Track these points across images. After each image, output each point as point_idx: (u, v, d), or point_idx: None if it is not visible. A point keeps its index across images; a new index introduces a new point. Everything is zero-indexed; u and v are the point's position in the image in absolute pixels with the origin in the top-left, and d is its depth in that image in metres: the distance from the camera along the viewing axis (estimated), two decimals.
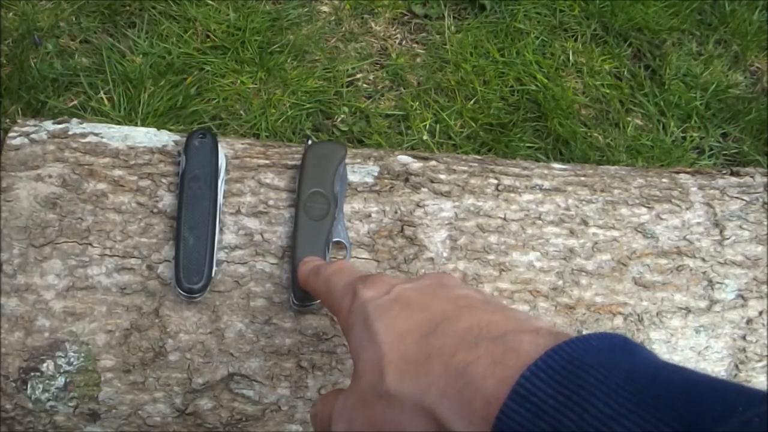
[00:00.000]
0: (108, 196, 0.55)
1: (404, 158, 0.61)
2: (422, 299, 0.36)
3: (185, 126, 1.12)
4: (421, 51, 1.30)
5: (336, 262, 0.46)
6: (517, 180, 0.61)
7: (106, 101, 1.13)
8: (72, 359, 0.51)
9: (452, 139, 1.20)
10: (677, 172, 0.65)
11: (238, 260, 0.54)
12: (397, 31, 1.32)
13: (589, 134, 1.24)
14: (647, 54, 1.35)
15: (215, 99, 1.16)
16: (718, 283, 0.59)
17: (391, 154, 0.62)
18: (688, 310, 0.58)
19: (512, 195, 0.60)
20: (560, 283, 0.57)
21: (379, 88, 1.24)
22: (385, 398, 0.32)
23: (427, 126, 1.20)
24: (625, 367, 0.28)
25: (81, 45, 1.20)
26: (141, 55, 1.18)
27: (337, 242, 0.55)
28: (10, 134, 0.57)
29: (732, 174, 0.65)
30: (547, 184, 0.61)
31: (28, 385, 0.50)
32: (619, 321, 0.56)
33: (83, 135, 0.58)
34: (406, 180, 0.59)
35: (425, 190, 0.59)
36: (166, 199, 0.55)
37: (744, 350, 0.57)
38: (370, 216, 0.57)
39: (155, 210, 0.55)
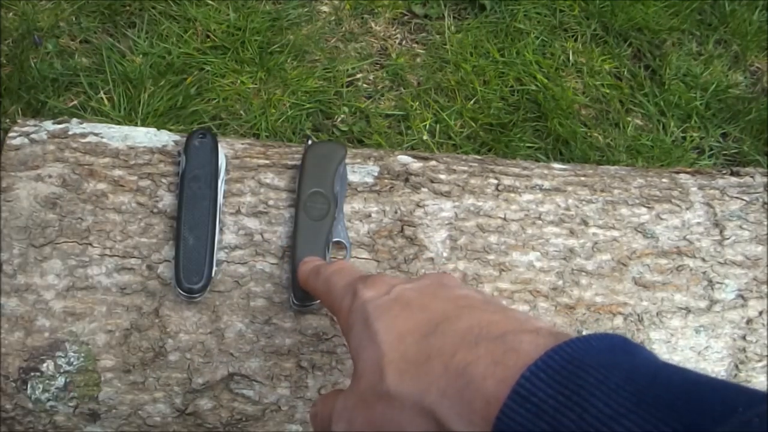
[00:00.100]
0: (108, 196, 0.55)
1: (404, 158, 0.61)
2: (422, 299, 0.36)
3: (185, 126, 1.12)
4: (421, 51, 1.30)
5: (336, 262, 0.46)
6: (517, 180, 0.61)
7: (106, 101, 1.13)
8: (72, 359, 0.51)
9: (452, 139, 1.20)
10: (677, 172, 0.65)
11: (238, 260, 0.54)
12: (397, 31, 1.32)
13: (589, 134, 1.24)
14: (647, 54, 1.35)
15: (215, 99, 1.16)
16: (718, 283, 0.59)
17: (391, 154, 0.62)
18: (688, 310, 0.58)
19: (512, 195, 0.60)
20: (560, 283, 0.57)
21: (379, 88, 1.24)
22: (385, 398, 0.32)
23: (427, 126, 1.20)
24: (625, 367, 0.28)
25: (81, 45, 1.20)
26: (141, 55, 1.18)
27: (337, 242, 0.55)
28: (10, 134, 0.57)
29: (732, 174, 0.65)
30: (547, 184, 0.61)
31: (28, 385, 0.50)
32: (619, 321, 0.56)
33: (83, 135, 0.58)
34: (406, 180, 0.59)
35: (425, 190, 0.59)
36: (166, 199, 0.55)
37: (744, 350, 0.57)
38: (370, 216, 0.57)
39: (155, 210, 0.55)
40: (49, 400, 0.50)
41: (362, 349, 0.35)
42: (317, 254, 0.52)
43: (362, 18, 1.31)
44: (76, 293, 0.52)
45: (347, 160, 0.59)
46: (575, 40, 1.34)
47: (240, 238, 0.55)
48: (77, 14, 1.21)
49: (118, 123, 1.02)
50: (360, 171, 0.59)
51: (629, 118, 1.27)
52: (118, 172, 0.56)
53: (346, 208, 0.57)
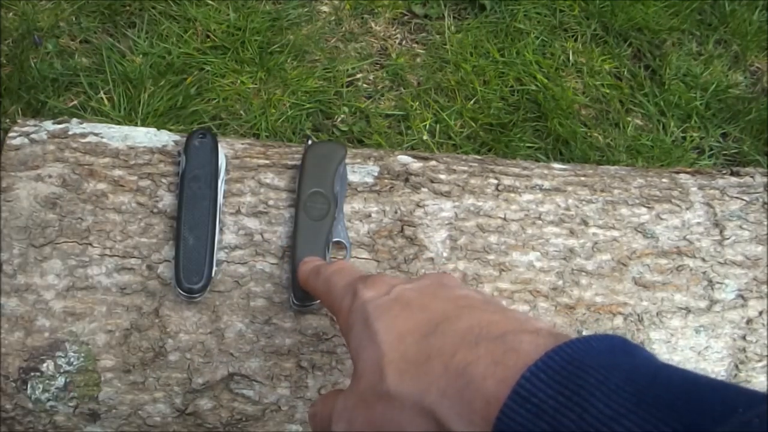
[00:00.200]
0: (108, 196, 0.55)
1: (404, 158, 0.61)
2: (422, 299, 0.36)
3: (185, 126, 1.12)
4: (421, 51, 1.30)
5: (336, 262, 0.46)
6: (517, 180, 0.61)
7: (106, 101, 1.13)
8: (72, 359, 0.51)
9: (452, 139, 1.20)
10: (677, 172, 0.65)
11: (238, 260, 0.54)
12: (397, 31, 1.32)
13: (589, 134, 1.24)
14: (647, 54, 1.35)
15: (215, 99, 1.16)
16: (718, 283, 0.59)
17: (391, 154, 0.62)
18: (688, 310, 0.58)
19: (512, 195, 0.60)
20: (560, 283, 0.57)
21: (379, 88, 1.24)
22: (385, 398, 0.32)
23: (427, 126, 1.20)
24: (625, 368, 0.28)
25: (81, 45, 1.20)
26: (141, 55, 1.18)
27: (337, 242, 0.55)
28: (10, 134, 0.57)
29: (732, 174, 0.65)
30: (547, 184, 0.61)
31: (28, 385, 0.50)
32: (619, 321, 0.56)
33: (83, 135, 0.58)
34: (406, 180, 0.59)
35: (425, 190, 0.59)
36: (166, 199, 0.55)
37: (744, 350, 0.57)
38: (370, 216, 0.57)
39: (155, 210, 0.55)
40: (49, 400, 0.50)
41: (362, 349, 0.35)
42: (317, 254, 0.52)
43: (362, 18, 1.31)
44: (76, 293, 0.52)
45: (347, 160, 0.59)
46: (575, 40, 1.34)
47: (240, 238, 0.55)
48: (77, 14, 1.21)
49: (118, 123, 1.02)
50: (360, 171, 0.59)
51: (629, 118, 1.27)
52: (118, 172, 0.56)
53: (346, 208, 0.57)
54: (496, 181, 0.60)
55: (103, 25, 1.21)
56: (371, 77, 1.25)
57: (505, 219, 0.58)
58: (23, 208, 0.54)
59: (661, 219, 0.60)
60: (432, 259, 0.56)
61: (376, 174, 0.59)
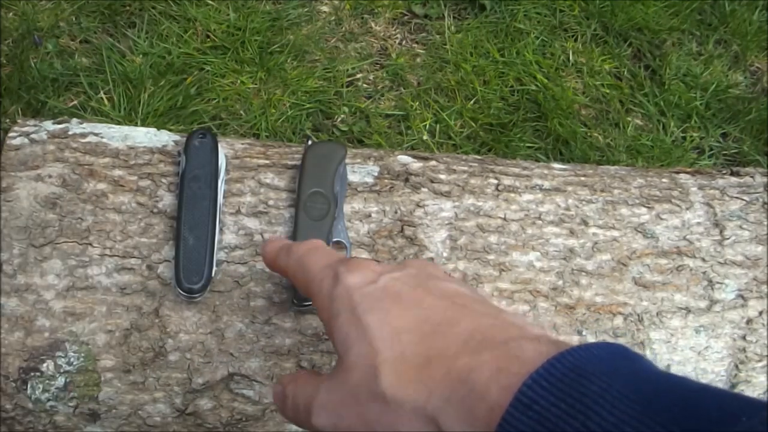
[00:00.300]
0: (108, 196, 0.55)
1: (404, 158, 0.61)
2: (414, 293, 0.35)
3: (185, 126, 1.12)
4: (421, 51, 1.30)
5: (307, 241, 0.43)
6: (517, 180, 0.61)
7: (106, 101, 1.13)
8: (72, 359, 0.51)
9: (452, 139, 1.20)
10: (677, 172, 0.65)
11: (238, 260, 0.54)
12: (397, 31, 1.32)
13: (589, 134, 1.24)
14: (647, 54, 1.35)
15: (215, 99, 1.16)
16: (718, 283, 0.59)
17: (391, 154, 0.62)
18: (688, 310, 0.58)
19: (512, 195, 0.60)
20: (560, 283, 0.57)
21: (379, 88, 1.24)
22: (381, 399, 0.31)
23: (427, 126, 1.20)
24: (627, 375, 0.28)
25: (81, 45, 1.20)
26: (141, 55, 1.18)
27: (337, 242, 0.55)
28: (10, 134, 0.57)
29: (732, 174, 0.65)
30: (547, 184, 0.61)
31: (28, 385, 0.50)
32: (619, 321, 0.56)
33: (83, 135, 0.58)
34: (406, 180, 0.59)
35: (425, 190, 0.59)
36: (166, 199, 0.55)
37: (744, 350, 0.57)
38: (370, 216, 0.57)
39: (155, 210, 0.55)
40: (49, 400, 0.50)
41: (352, 342, 0.33)
42: None
43: (362, 18, 1.31)
44: (76, 293, 0.52)
45: (347, 160, 0.59)
46: (575, 40, 1.34)
47: (240, 238, 0.55)
48: (77, 14, 1.21)
49: (118, 123, 1.02)
50: (360, 171, 0.59)
51: (629, 118, 1.27)
52: (118, 172, 0.56)
53: (346, 208, 0.57)
54: (496, 181, 0.60)
55: (103, 25, 1.21)
56: (371, 77, 1.25)
57: (505, 219, 0.58)
58: (23, 208, 0.54)
59: (661, 219, 0.60)
60: (432, 259, 0.56)
61: (376, 174, 0.59)
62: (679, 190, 0.63)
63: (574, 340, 0.56)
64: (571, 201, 0.60)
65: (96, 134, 0.58)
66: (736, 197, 0.63)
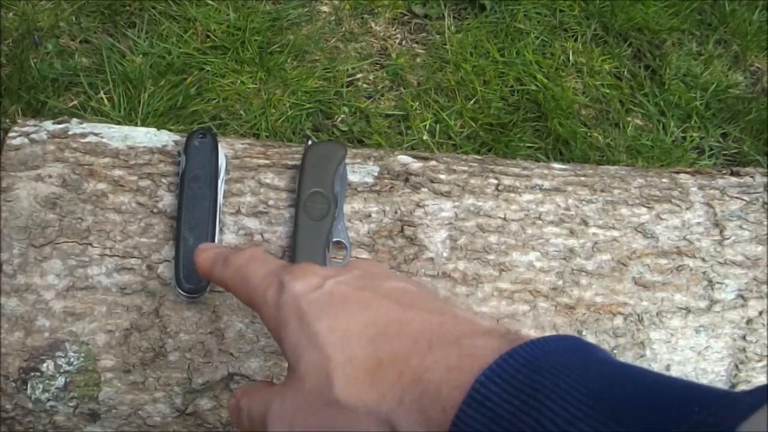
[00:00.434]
0: (108, 196, 0.55)
1: (404, 158, 0.61)
2: (360, 295, 0.34)
3: (185, 126, 1.12)
4: (421, 51, 1.30)
5: (245, 249, 0.41)
6: (517, 180, 0.61)
7: (106, 101, 1.13)
8: (72, 359, 0.51)
9: (452, 139, 1.20)
10: (677, 172, 0.65)
11: None
12: (397, 31, 1.32)
13: (589, 134, 1.24)
14: (647, 54, 1.35)
15: (215, 99, 1.16)
16: (718, 283, 0.59)
17: (391, 154, 0.62)
18: (688, 310, 0.58)
19: (512, 195, 0.60)
20: (560, 283, 0.57)
21: (379, 88, 1.24)
22: (335, 405, 0.31)
23: (427, 126, 1.20)
24: (581, 370, 0.27)
25: (81, 45, 1.20)
26: (141, 55, 1.18)
27: (337, 242, 0.55)
28: (10, 134, 0.57)
29: (732, 174, 0.65)
30: (547, 184, 0.61)
31: (28, 385, 0.50)
32: (619, 321, 0.56)
33: (83, 135, 0.58)
34: (406, 180, 0.59)
35: (425, 190, 0.59)
36: (166, 199, 0.55)
37: (744, 350, 0.57)
38: (370, 216, 0.57)
39: (155, 210, 0.55)
40: (49, 400, 0.50)
41: (301, 351, 0.33)
42: (317, 254, 0.52)
43: (362, 18, 1.31)
44: (76, 293, 0.52)
45: (347, 160, 0.59)
46: (575, 40, 1.34)
47: (240, 238, 0.55)
48: (77, 14, 1.21)
49: (118, 123, 1.02)
50: (360, 171, 0.59)
51: (629, 118, 1.27)
52: (118, 172, 0.56)
53: (346, 208, 0.57)
54: (496, 181, 0.60)
55: (103, 25, 1.21)
56: (371, 77, 1.25)
57: (505, 219, 0.58)
58: (23, 208, 0.54)
59: (661, 219, 0.60)
60: (432, 259, 0.56)
61: (376, 174, 0.59)
62: (679, 190, 0.63)
63: None
64: (571, 201, 0.60)
65: (96, 134, 0.58)
66: (736, 197, 0.63)
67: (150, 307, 0.52)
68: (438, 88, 1.25)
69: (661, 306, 0.57)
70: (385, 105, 1.22)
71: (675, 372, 0.57)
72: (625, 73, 1.32)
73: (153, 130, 0.60)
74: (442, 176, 0.60)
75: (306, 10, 1.28)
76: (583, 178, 0.62)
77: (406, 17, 1.33)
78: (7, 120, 1.08)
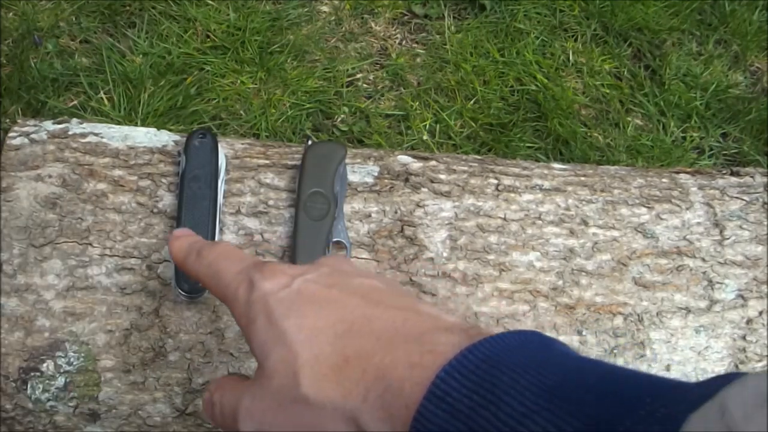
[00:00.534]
0: (108, 196, 0.55)
1: (404, 158, 0.61)
2: (328, 293, 0.35)
3: (185, 126, 1.12)
4: (421, 51, 1.30)
5: (218, 243, 0.41)
6: (517, 180, 0.61)
7: (106, 101, 1.13)
8: (72, 359, 0.51)
9: (452, 139, 1.20)
10: (677, 172, 0.65)
11: None
12: (397, 31, 1.32)
13: (589, 134, 1.24)
14: (647, 54, 1.35)
15: (215, 99, 1.16)
16: (718, 283, 0.59)
17: (391, 154, 0.62)
18: (688, 310, 0.58)
19: (512, 195, 0.60)
20: (560, 283, 0.57)
21: (379, 88, 1.24)
22: (302, 402, 0.31)
23: (427, 126, 1.20)
24: (539, 364, 0.28)
25: (81, 45, 1.20)
26: (141, 55, 1.18)
27: (337, 242, 0.55)
28: (10, 134, 0.57)
29: (732, 174, 0.65)
30: (547, 184, 0.61)
31: (28, 385, 0.50)
32: (619, 321, 0.56)
33: (83, 135, 0.58)
34: (406, 180, 0.59)
35: (425, 190, 0.59)
36: (166, 199, 0.55)
37: (744, 350, 0.57)
38: (370, 216, 0.57)
39: (155, 210, 0.55)
40: (49, 400, 0.50)
41: (269, 349, 0.33)
42: (317, 254, 0.52)
43: (362, 18, 1.31)
44: (76, 293, 0.52)
45: (347, 160, 0.59)
46: (575, 40, 1.34)
47: (240, 238, 0.55)
48: (77, 14, 1.21)
49: (118, 123, 1.02)
50: (360, 171, 0.59)
51: (629, 118, 1.27)
52: (118, 172, 0.56)
53: (346, 208, 0.57)
54: (496, 181, 0.60)
55: (103, 25, 1.21)
56: (371, 77, 1.25)
57: (505, 219, 0.58)
58: (23, 208, 0.54)
59: (661, 219, 0.60)
60: (432, 259, 0.56)
61: (376, 174, 0.59)
62: (679, 190, 0.63)
63: (574, 340, 0.56)
64: (571, 201, 0.60)
65: (96, 134, 0.58)
66: (736, 197, 0.63)
67: (150, 307, 0.52)
68: (438, 88, 1.25)
69: (661, 306, 0.57)
70: (385, 105, 1.22)
71: (675, 372, 0.57)
72: (625, 73, 1.32)
73: (153, 130, 0.60)
74: (442, 176, 0.60)
75: (306, 10, 1.28)
76: (583, 178, 0.62)
77: (406, 17, 1.33)
78: (7, 120, 1.08)
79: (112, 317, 0.52)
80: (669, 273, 0.58)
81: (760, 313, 0.58)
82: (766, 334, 0.58)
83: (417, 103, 1.22)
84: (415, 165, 0.60)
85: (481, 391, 0.27)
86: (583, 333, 0.56)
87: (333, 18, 1.30)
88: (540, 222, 0.59)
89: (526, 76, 1.27)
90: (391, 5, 1.32)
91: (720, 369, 0.57)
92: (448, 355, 0.29)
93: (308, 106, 1.18)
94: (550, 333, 0.55)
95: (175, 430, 0.52)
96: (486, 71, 1.27)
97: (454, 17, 1.34)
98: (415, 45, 1.31)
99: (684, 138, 1.27)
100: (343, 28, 1.29)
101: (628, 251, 0.59)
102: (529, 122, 1.23)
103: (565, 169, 0.63)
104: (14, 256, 0.52)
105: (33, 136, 0.57)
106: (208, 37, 1.22)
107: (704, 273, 0.59)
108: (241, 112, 1.16)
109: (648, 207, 0.61)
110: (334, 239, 0.54)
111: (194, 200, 0.54)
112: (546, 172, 0.62)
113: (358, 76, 1.25)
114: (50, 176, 0.55)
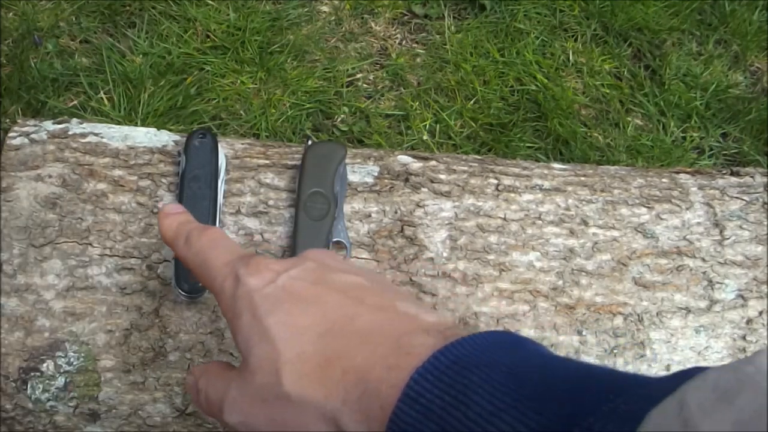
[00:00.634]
0: (108, 196, 0.55)
1: (404, 158, 0.61)
2: (313, 290, 0.35)
3: (185, 126, 1.12)
4: (421, 51, 1.30)
5: (207, 229, 0.41)
6: (517, 180, 0.61)
7: (106, 101, 1.13)
8: (72, 359, 0.51)
9: (452, 139, 1.20)
10: (677, 172, 0.65)
11: None
12: (397, 31, 1.32)
13: (589, 134, 1.24)
14: (647, 54, 1.35)
15: (215, 99, 1.16)
16: (718, 283, 0.59)
17: (391, 154, 0.62)
18: (688, 310, 0.58)
19: (512, 195, 0.60)
20: (560, 283, 0.57)
21: (379, 88, 1.24)
22: (284, 399, 0.32)
23: (427, 126, 1.20)
24: (509, 364, 0.29)
25: (81, 45, 1.20)
26: (141, 55, 1.18)
27: (337, 242, 0.55)
28: (10, 134, 0.57)
29: (732, 174, 0.65)
30: (547, 184, 0.61)
31: (28, 385, 0.50)
32: (619, 321, 0.56)
33: (83, 135, 0.58)
34: (406, 180, 0.59)
35: (425, 190, 0.59)
36: (166, 199, 0.55)
37: (744, 350, 0.57)
38: (370, 216, 0.57)
39: (155, 210, 0.55)
40: (49, 400, 0.50)
41: (254, 344, 0.34)
42: None
43: (362, 18, 1.31)
44: (76, 293, 0.52)
45: (347, 160, 0.59)
46: (575, 40, 1.34)
47: (240, 238, 0.55)
48: (77, 14, 1.21)
49: (118, 123, 1.02)
50: (360, 171, 0.59)
51: (629, 118, 1.27)
52: (118, 172, 0.56)
53: (346, 208, 0.57)
54: (496, 181, 0.60)
55: (103, 25, 1.21)
56: (371, 77, 1.25)
57: (505, 219, 0.58)
58: (23, 208, 0.54)
59: (661, 219, 0.60)
60: (432, 259, 0.56)
61: (376, 174, 0.59)
62: (679, 190, 0.63)
63: (574, 340, 0.56)
64: (571, 201, 0.60)
65: (96, 134, 0.58)
66: (736, 197, 0.63)
67: (150, 307, 0.52)
68: (438, 88, 1.25)
69: (661, 306, 0.57)
70: (385, 105, 1.22)
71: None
72: (625, 73, 1.32)
73: (153, 130, 0.60)
74: (442, 176, 0.60)
75: (306, 10, 1.28)
76: (583, 178, 0.62)
77: (406, 17, 1.33)
78: (7, 120, 1.08)
79: (112, 317, 0.52)
80: (669, 273, 0.58)
81: (760, 313, 0.58)
82: (766, 334, 0.58)
83: (417, 103, 1.22)
84: (415, 165, 0.60)
85: (452, 392, 0.28)
86: (583, 333, 0.56)
87: (333, 18, 1.30)
88: (540, 222, 0.59)
89: (526, 76, 1.27)
90: (391, 5, 1.32)
91: None
92: (422, 357, 0.29)
93: (308, 106, 1.18)
94: (550, 333, 0.55)
95: (175, 430, 0.52)
96: (486, 71, 1.27)
97: (454, 17, 1.34)
98: (415, 45, 1.31)
99: (684, 138, 1.27)
100: (343, 28, 1.29)
101: (628, 251, 0.59)
102: (529, 122, 1.23)
103: (565, 169, 0.63)
104: (14, 256, 0.52)
105: (33, 136, 0.57)
106: (208, 37, 1.22)
107: (704, 273, 0.59)
108: (241, 112, 1.16)
109: (648, 207, 0.61)
110: (334, 239, 0.54)
111: (194, 200, 0.54)
112: (546, 172, 0.62)
113: (358, 76, 1.25)
114: (50, 176, 0.55)
